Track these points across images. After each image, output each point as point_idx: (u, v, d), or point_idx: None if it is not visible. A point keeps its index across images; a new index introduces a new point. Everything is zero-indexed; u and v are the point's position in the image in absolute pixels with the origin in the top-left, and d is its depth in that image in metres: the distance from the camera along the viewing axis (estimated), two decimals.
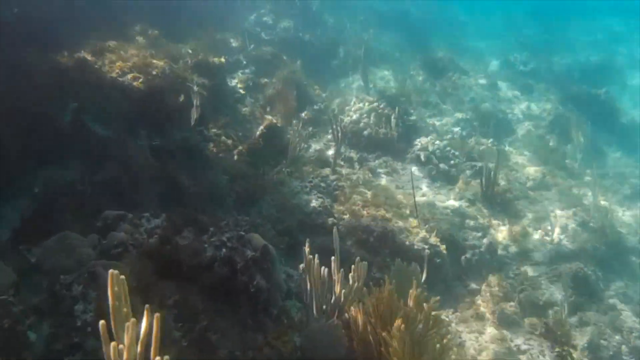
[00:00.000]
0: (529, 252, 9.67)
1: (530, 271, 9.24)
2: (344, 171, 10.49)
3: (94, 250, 4.78)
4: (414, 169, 11.35)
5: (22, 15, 8.05)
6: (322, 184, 9.30)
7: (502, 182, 11.26)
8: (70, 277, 4.24)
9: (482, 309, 8.19)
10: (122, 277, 2.80)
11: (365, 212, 8.66)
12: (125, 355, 2.61)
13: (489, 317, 8.07)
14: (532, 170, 12.57)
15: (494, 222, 10.22)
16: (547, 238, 9.95)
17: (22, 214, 5.81)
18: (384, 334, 4.59)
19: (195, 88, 8.93)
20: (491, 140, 13.38)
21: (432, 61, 17.84)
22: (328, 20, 20.03)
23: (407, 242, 8.16)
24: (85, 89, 7.52)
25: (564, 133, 14.41)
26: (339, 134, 10.79)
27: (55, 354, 3.92)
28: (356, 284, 5.09)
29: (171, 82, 8.80)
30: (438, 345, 4.88)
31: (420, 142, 12.32)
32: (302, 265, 5.03)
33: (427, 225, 8.88)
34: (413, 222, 8.75)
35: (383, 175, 11.12)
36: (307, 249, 4.94)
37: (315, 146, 11.73)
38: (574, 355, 7.47)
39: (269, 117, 11.05)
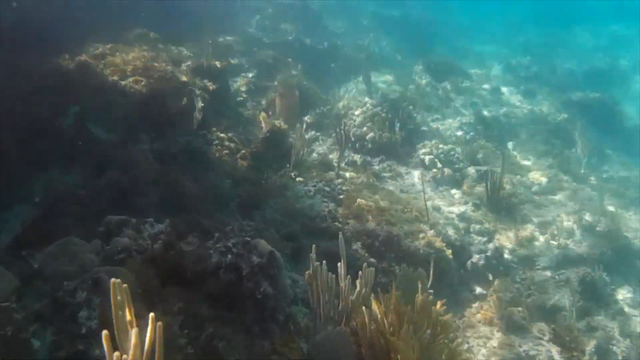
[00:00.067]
0: (535, 256, 9.57)
1: (537, 276, 9.14)
2: (348, 175, 10.42)
3: (97, 256, 4.69)
4: (420, 173, 11.26)
5: (22, 17, 7.98)
6: (327, 188, 9.21)
7: (507, 187, 11.16)
8: (74, 283, 4.14)
9: (489, 314, 8.09)
10: (125, 285, 2.72)
11: (370, 217, 8.57)
12: None
13: (497, 323, 7.96)
14: (537, 175, 12.48)
15: (500, 226, 10.12)
16: (554, 242, 9.86)
17: (24, 219, 5.73)
18: (392, 338, 4.51)
19: (197, 91, 8.87)
20: (495, 144, 13.30)
21: (434, 65, 17.76)
22: (329, 23, 20.01)
23: (412, 247, 8.07)
24: (86, 93, 7.46)
25: (568, 137, 14.34)
26: (343, 138, 10.72)
27: None
28: (364, 290, 5.00)
29: (173, 85, 8.74)
30: (446, 351, 4.81)
31: (424, 146, 12.24)
32: (308, 272, 4.93)
33: (432, 230, 8.78)
34: (422, 226, 8.66)
35: (387, 180, 11.04)
36: (313, 255, 4.85)
37: (318, 150, 11.66)
38: None
39: (272, 120, 10.98)
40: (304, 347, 4.81)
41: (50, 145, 6.59)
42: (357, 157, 11.51)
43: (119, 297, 2.70)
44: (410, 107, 13.18)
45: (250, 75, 13.79)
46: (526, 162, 13.40)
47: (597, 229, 10.17)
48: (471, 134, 13.81)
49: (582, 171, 13.13)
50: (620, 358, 7.81)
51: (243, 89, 12.99)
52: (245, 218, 7.60)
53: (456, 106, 15.64)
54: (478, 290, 8.66)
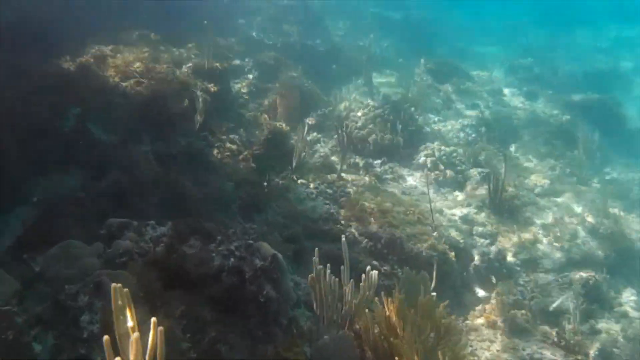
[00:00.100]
0: (539, 259, 9.52)
1: (540, 278, 9.09)
2: (350, 177, 10.37)
3: (99, 259, 4.64)
4: (426, 173, 11.20)
5: (22, 17, 7.95)
6: (329, 190, 9.17)
7: (510, 189, 11.10)
8: (76, 287, 4.10)
9: (492, 317, 8.04)
10: (126, 290, 2.68)
11: (372, 219, 8.53)
12: None
13: (500, 326, 7.91)
14: (539, 177, 12.43)
15: (503, 228, 10.07)
16: (557, 245, 9.81)
17: (25, 221, 5.69)
18: (396, 341, 4.47)
19: (199, 93, 8.83)
20: (497, 146, 13.26)
21: (436, 66, 17.71)
22: (330, 25, 19.98)
23: (415, 249, 8.02)
24: (87, 94, 7.41)
25: (571, 139, 14.29)
26: (345, 140, 10.67)
27: None
28: (367, 294, 4.95)
29: (174, 86, 8.71)
30: (450, 354, 4.77)
31: (426, 148, 12.20)
32: (311, 275, 4.88)
33: (435, 232, 8.74)
34: (424, 229, 8.61)
35: (389, 182, 10.99)
36: (316, 259, 4.80)
37: (320, 152, 11.61)
38: None
39: (274, 122, 10.94)
40: (307, 351, 4.77)
41: (50, 146, 6.54)
42: (359, 159, 11.46)
43: (119, 302, 2.67)
44: (412, 108, 13.13)
45: (251, 76, 13.77)
46: (528, 164, 13.36)
47: (601, 231, 10.12)
48: (473, 135, 13.76)
49: (585, 173, 13.08)
50: None
51: (244, 90, 12.96)
52: (247, 220, 7.56)
53: (458, 108, 15.60)
54: (481, 293, 8.62)
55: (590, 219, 10.50)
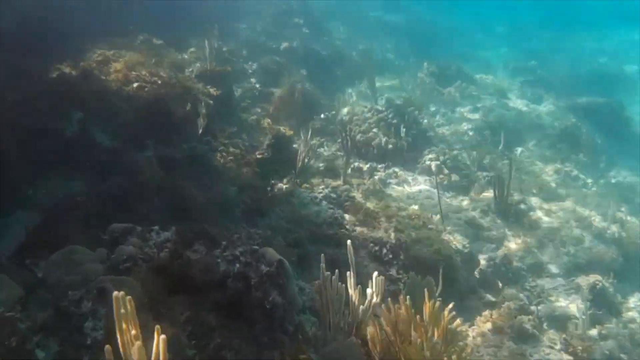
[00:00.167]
0: (545, 263, 9.45)
1: (546, 283, 9.01)
2: (354, 181, 10.30)
3: (102, 264, 4.58)
4: (434, 177, 11.12)
5: (23, 19, 7.92)
6: (333, 195, 9.11)
7: (515, 192, 11.02)
8: (79, 293, 4.04)
9: (499, 322, 7.95)
10: (129, 297, 2.62)
11: (377, 223, 8.46)
12: None
13: (507, 331, 7.82)
14: (544, 180, 12.36)
15: (508, 232, 10.00)
16: (563, 249, 9.72)
17: (27, 226, 5.63)
18: (403, 346, 4.40)
19: (201, 97, 8.78)
20: (502, 149, 13.20)
21: (439, 69, 17.68)
22: (333, 29, 19.96)
23: (421, 254, 7.94)
24: (90, 98, 7.37)
25: (576, 142, 14.23)
26: (348, 144, 10.62)
27: None
28: (374, 299, 4.88)
29: (177, 91, 8.66)
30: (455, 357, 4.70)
31: (430, 151, 12.13)
32: (318, 282, 4.81)
33: (441, 236, 8.67)
34: (430, 233, 8.54)
35: (394, 186, 10.93)
36: (323, 265, 4.73)
37: (324, 156, 11.55)
38: None
39: (277, 126, 10.88)
40: (313, 357, 4.69)
41: (53, 151, 6.50)
42: (362, 164, 11.41)
43: (122, 310, 2.60)
44: (416, 112, 13.07)
45: (254, 80, 13.74)
46: (534, 168, 13.28)
47: (607, 235, 10.04)
48: (478, 139, 13.71)
49: (590, 177, 13.01)
50: None
51: (247, 94, 12.92)
52: (250, 225, 7.50)
53: (461, 111, 15.55)
54: (487, 297, 8.53)
55: (596, 223, 10.42)
